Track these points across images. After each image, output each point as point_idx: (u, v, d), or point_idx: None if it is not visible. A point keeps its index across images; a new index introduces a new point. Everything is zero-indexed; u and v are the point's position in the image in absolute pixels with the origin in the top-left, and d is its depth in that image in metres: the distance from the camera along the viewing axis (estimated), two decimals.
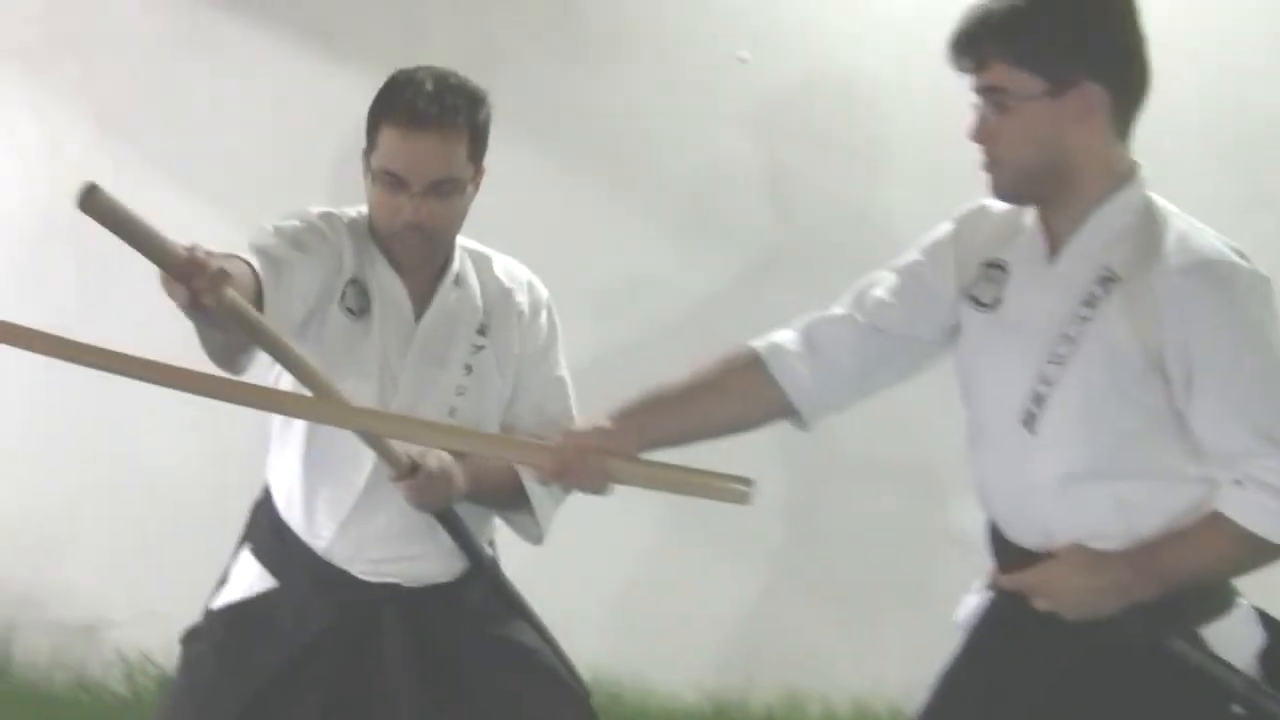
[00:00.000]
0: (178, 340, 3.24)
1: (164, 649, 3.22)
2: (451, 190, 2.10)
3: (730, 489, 1.85)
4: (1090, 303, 1.83)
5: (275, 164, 3.54)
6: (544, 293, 2.27)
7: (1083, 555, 1.82)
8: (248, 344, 1.95)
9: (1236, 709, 1.83)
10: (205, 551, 3.12)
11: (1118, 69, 1.81)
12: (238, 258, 1.88)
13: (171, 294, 1.70)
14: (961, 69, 1.86)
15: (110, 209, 1.60)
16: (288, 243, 2.06)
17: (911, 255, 2.01)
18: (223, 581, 2.22)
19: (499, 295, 2.22)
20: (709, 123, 3.54)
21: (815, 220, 3.33)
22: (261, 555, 2.21)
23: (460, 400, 2.16)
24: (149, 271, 3.11)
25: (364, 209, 2.20)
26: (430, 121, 2.06)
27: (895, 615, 3.32)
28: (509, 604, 2.20)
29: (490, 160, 3.41)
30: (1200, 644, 1.83)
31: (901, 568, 3.34)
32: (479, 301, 2.21)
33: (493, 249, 2.47)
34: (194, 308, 1.70)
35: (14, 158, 3.58)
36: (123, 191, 3.46)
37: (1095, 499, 1.84)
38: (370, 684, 2.10)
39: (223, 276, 1.70)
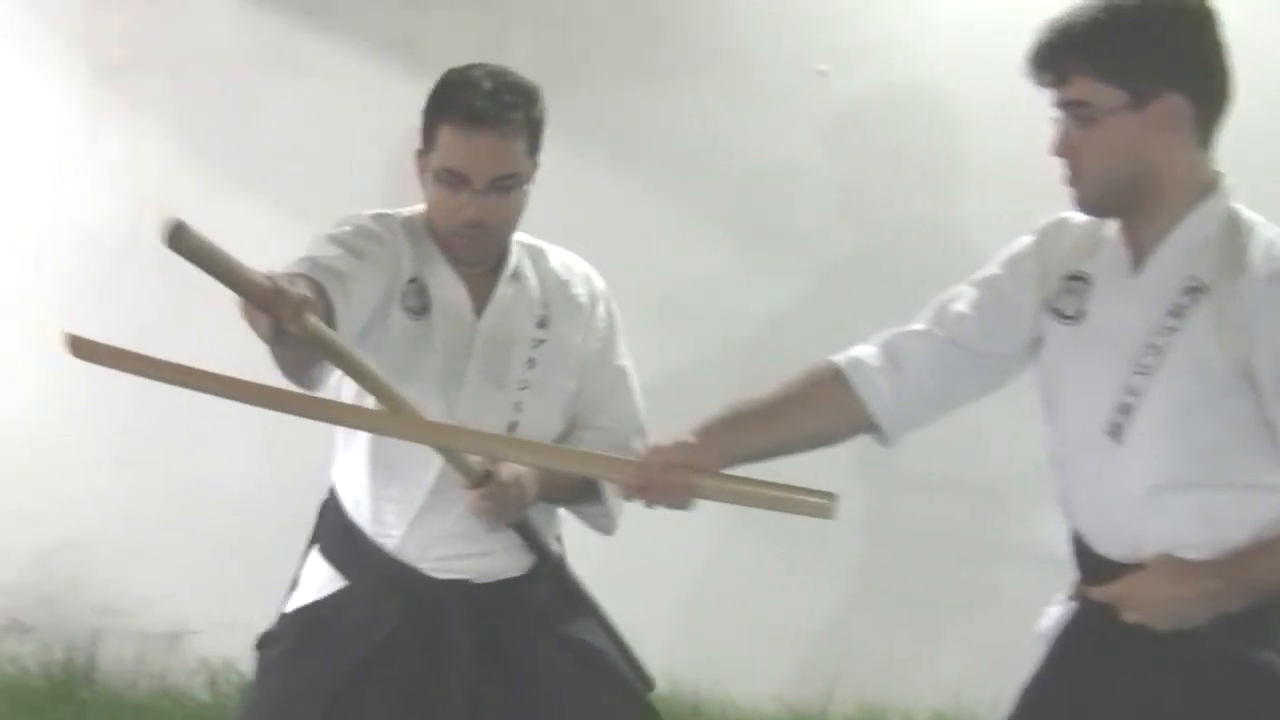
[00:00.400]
0: (256, 353, 3.32)
1: (245, 656, 3.31)
2: (512, 186, 2.11)
3: (813, 504, 1.86)
4: (1177, 313, 1.82)
5: (355, 178, 3.52)
6: (601, 284, 2.28)
7: (1172, 565, 1.82)
8: (320, 360, 1.98)
9: None
10: (282, 559, 3.19)
11: (1199, 79, 1.81)
12: (303, 277, 1.90)
13: (253, 323, 1.73)
14: (1042, 83, 1.86)
15: (195, 245, 1.61)
16: (349, 252, 2.06)
17: (991, 269, 2.01)
18: (294, 585, 2.24)
19: (557, 288, 2.23)
20: (787, 135, 3.53)
21: (891, 233, 3.33)
22: (331, 556, 2.22)
23: (525, 395, 2.17)
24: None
25: (417, 209, 2.21)
26: (490, 118, 2.07)
27: (971, 627, 3.32)
28: (576, 601, 2.20)
29: (569, 173, 3.30)
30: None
31: (976, 580, 3.33)
32: (538, 295, 2.22)
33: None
34: (277, 336, 1.72)
35: (100, 171, 3.63)
36: (206, 205, 3.25)
37: (1182, 509, 1.83)
38: (440, 680, 2.11)
39: (306, 305, 1.72)
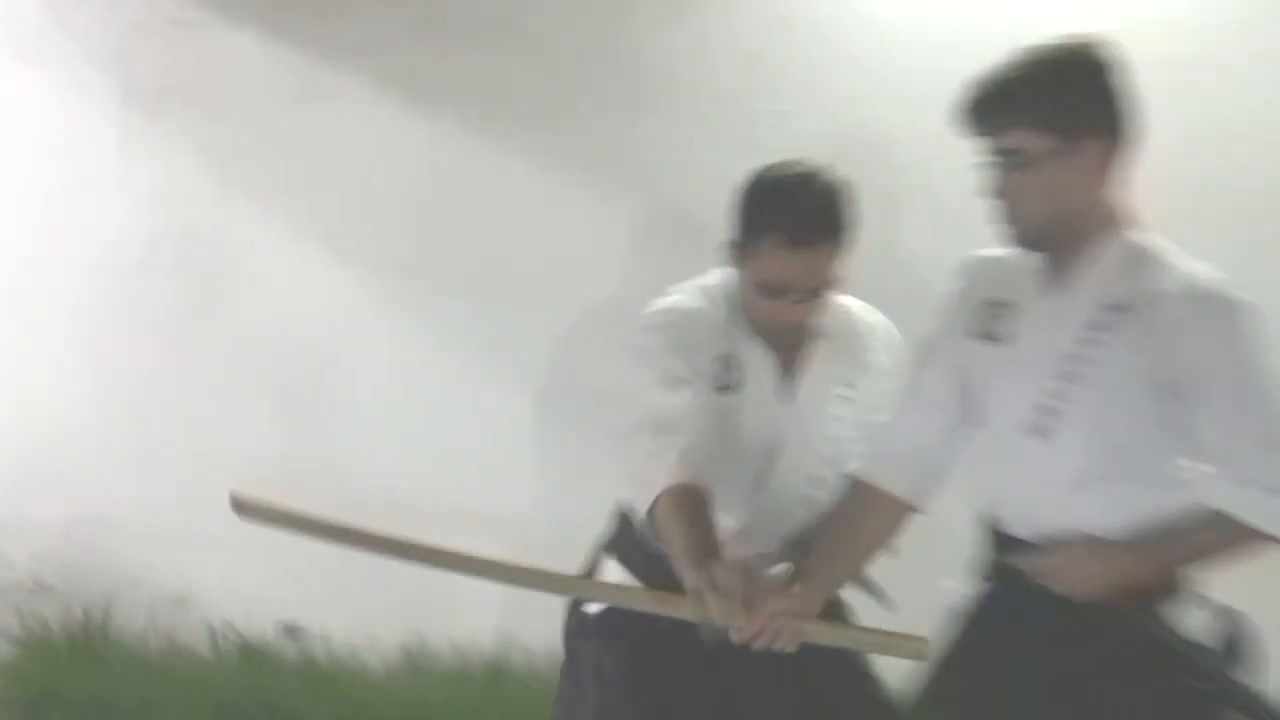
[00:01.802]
0: (268, 356, 3.65)
1: (242, 618, 3.74)
2: (829, 288, 2.12)
3: (910, 646, 1.98)
4: (1101, 328, 1.96)
5: (372, 204, 3.70)
6: (896, 334, 2.28)
7: (1093, 544, 1.97)
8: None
9: (1201, 684, 1.97)
10: (280, 536, 3.45)
11: (1117, 121, 1.94)
12: (688, 492, 1.95)
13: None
14: (978, 134, 1.98)
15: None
16: (687, 407, 2.05)
17: (938, 325, 2.15)
18: (593, 568, 2.30)
19: (859, 347, 2.24)
20: (747, 163, 3.65)
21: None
22: (630, 566, 2.25)
23: (832, 449, 2.20)
24: (240, 291, 3.41)
25: (724, 279, 2.18)
26: (819, 238, 2.06)
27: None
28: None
29: (560, 200, 3.62)
30: (1177, 627, 1.99)
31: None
32: (844, 356, 2.23)
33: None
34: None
35: (129, 190, 3.74)
36: (228, 228, 3.56)
37: (1100, 499, 1.97)
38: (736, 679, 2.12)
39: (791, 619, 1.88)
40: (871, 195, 3.42)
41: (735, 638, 1.90)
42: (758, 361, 2.17)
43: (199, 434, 3.78)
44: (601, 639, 2.24)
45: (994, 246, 2.08)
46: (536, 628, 3.55)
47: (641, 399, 2.06)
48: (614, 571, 2.28)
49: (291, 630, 3.84)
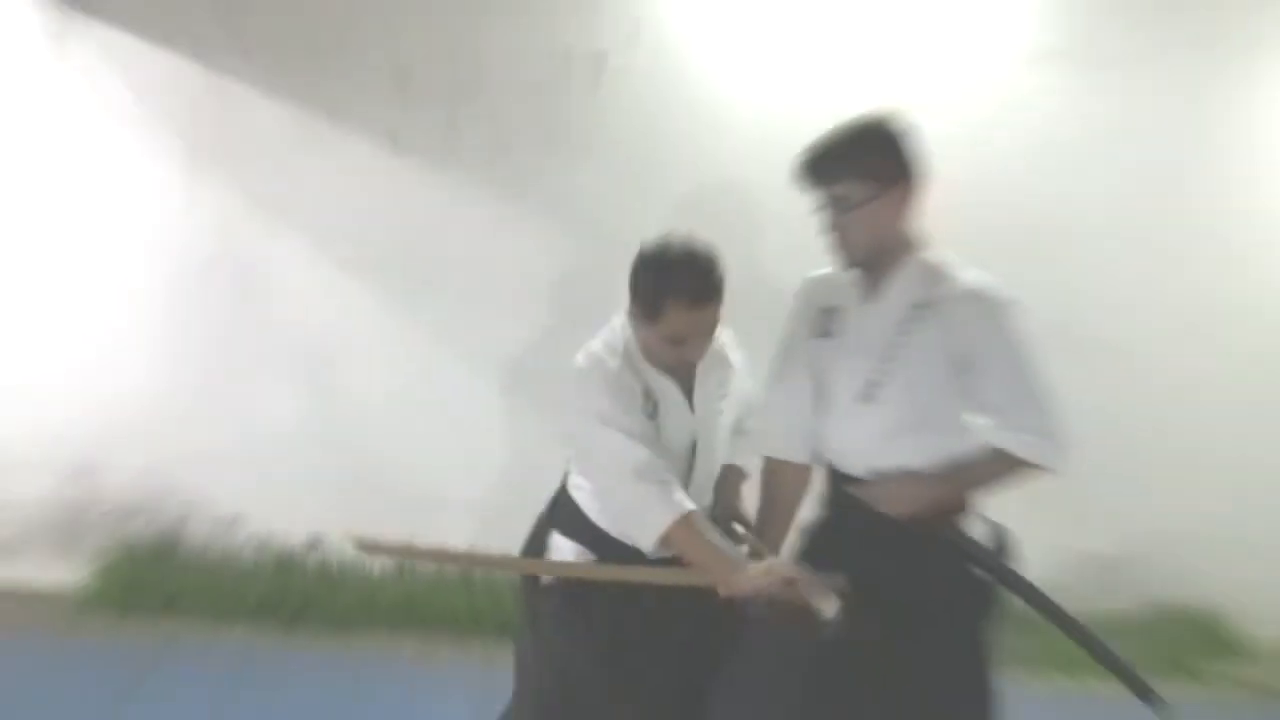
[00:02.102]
0: (306, 353, 3.90)
1: (278, 535, 4.24)
2: (716, 330, 2.29)
3: (833, 584, 2.11)
4: (911, 320, 2.16)
5: (364, 229, 4.13)
6: (736, 338, 2.45)
7: (911, 475, 2.19)
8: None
9: (982, 574, 2.23)
10: (308, 473, 4.03)
11: (913, 168, 2.16)
12: (690, 515, 2.12)
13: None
14: (812, 187, 2.17)
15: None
16: (646, 432, 2.21)
17: (790, 330, 2.35)
18: (536, 550, 2.43)
19: (723, 356, 2.43)
20: (651, 202, 4.02)
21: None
22: (576, 538, 2.37)
23: (724, 434, 2.40)
24: (271, 295, 3.71)
25: (619, 333, 2.32)
26: (710, 296, 2.21)
27: None
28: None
29: (483, 227, 4.09)
30: (963, 533, 2.25)
31: None
32: (717, 367, 2.40)
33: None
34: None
35: (190, 219, 4.14)
36: (265, 250, 4.03)
37: (912, 444, 2.20)
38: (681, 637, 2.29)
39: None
40: (738, 228, 3.85)
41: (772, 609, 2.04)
42: (667, 389, 2.32)
43: (239, 402, 4.21)
44: (561, 597, 2.35)
45: (825, 267, 2.32)
46: (497, 543, 3.77)
47: (610, 454, 2.17)
48: (562, 545, 2.39)
49: (313, 544, 4.28)
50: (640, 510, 2.15)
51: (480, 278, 4.20)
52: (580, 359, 2.28)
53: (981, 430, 2.18)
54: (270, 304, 4.23)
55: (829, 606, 1.96)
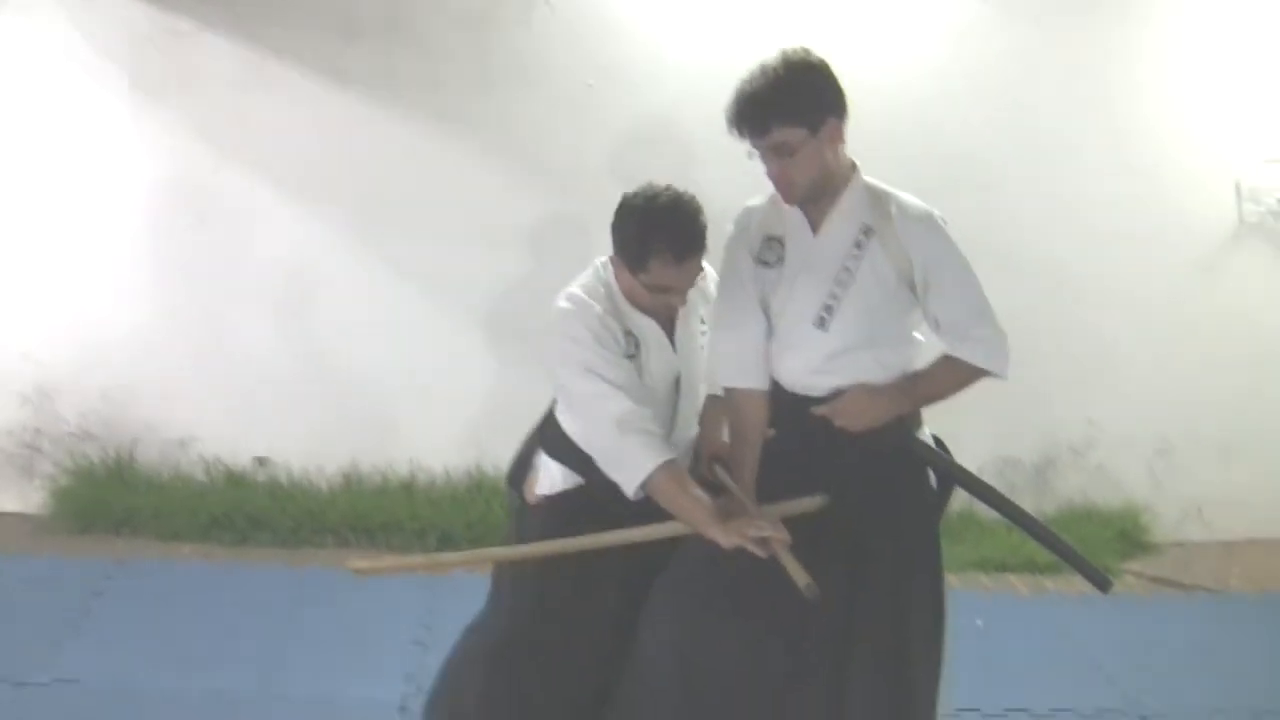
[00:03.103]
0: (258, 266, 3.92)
1: (227, 455, 4.38)
2: (699, 279, 2.32)
3: (812, 504, 2.18)
4: (859, 245, 2.20)
5: (310, 162, 4.23)
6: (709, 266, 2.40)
7: (868, 388, 2.22)
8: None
9: (933, 468, 2.33)
10: (258, 396, 4.12)
11: (840, 104, 2.17)
12: (668, 464, 2.13)
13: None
14: (748, 135, 2.14)
15: None
16: (627, 377, 2.22)
17: (732, 258, 2.33)
18: (526, 468, 2.48)
19: (699, 288, 2.42)
20: (589, 133, 4.18)
21: None
22: (564, 460, 2.39)
23: (704, 368, 2.41)
24: (224, 222, 3.96)
25: (600, 274, 2.34)
26: (695, 250, 2.23)
27: None
28: None
29: (424, 159, 4.22)
30: (921, 440, 2.32)
31: None
32: (694, 300, 2.40)
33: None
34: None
35: (140, 154, 4.22)
36: (212, 181, 4.14)
37: (864, 361, 2.24)
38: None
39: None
40: (675, 157, 3.98)
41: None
42: (648, 330, 2.34)
43: (200, 328, 4.34)
44: (547, 516, 2.38)
45: (760, 196, 2.33)
46: (437, 458, 4.36)
47: (593, 403, 2.20)
48: (550, 466, 2.42)
49: (261, 462, 4.40)
50: (621, 459, 2.18)
51: (422, 207, 4.31)
52: (561, 301, 2.31)
53: (937, 340, 2.27)
54: (221, 234, 4.34)
55: (803, 580, 1.97)
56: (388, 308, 4.38)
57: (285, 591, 3.78)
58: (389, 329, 4.37)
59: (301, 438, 4.37)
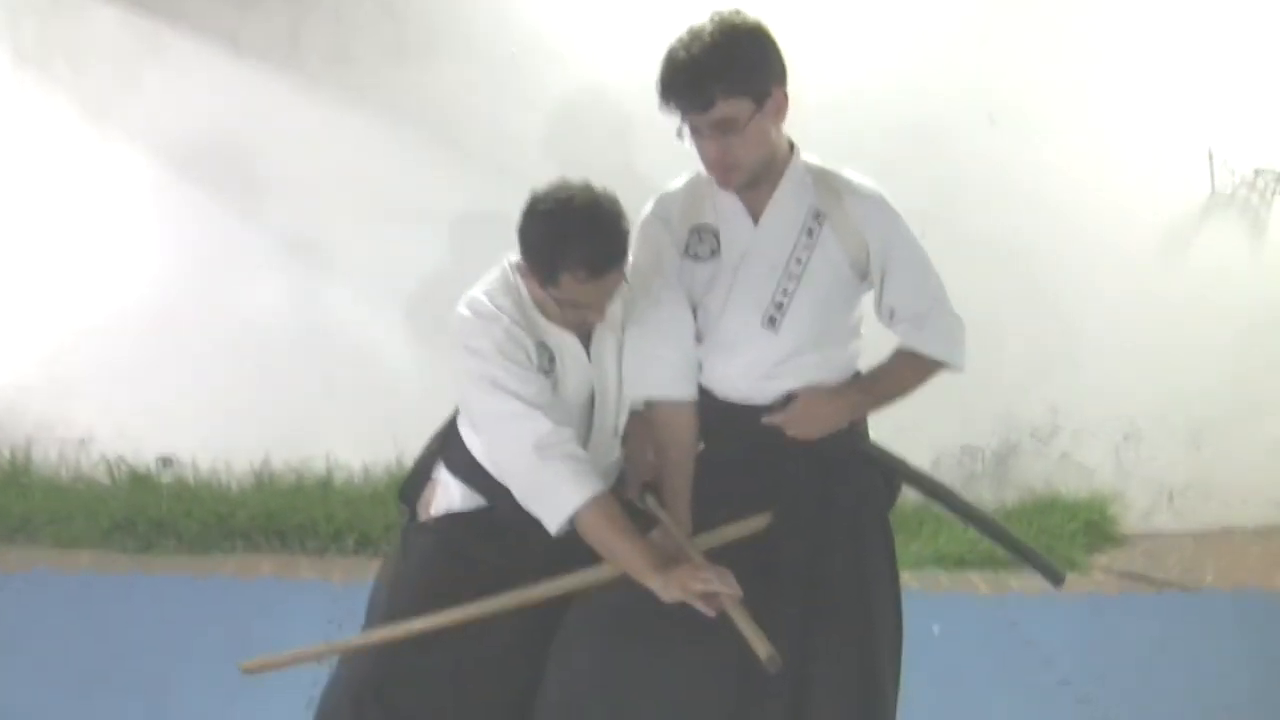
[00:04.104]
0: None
1: (133, 455, 4.23)
2: (618, 291, 2.10)
3: (757, 523, 2.08)
4: (811, 233, 2.10)
5: (202, 133, 4.02)
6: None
7: (822, 391, 2.14)
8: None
9: (885, 469, 2.27)
10: (159, 388, 3.98)
11: (783, 72, 2.04)
12: (599, 499, 1.97)
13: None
14: (687, 110, 1.97)
15: None
16: (540, 394, 2.04)
17: (652, 253, 2.17)
18: (423, 480, 2.32)
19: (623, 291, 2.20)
20: (509, 105, 4.00)
21: (584, 173, 3.02)
22: (464, 478, 2.23)
23: (619, 383, 2.24)
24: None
25: (508, 278, 2.14)
26: (614, 262, 2.02)
27: None
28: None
29: (332, 134, 4.04)
30: (872, 442, 2.29)
31: None
32: (621, 309, 2.22)
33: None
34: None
35: (18, 134, 4.05)
36: (99, 159, 3.88)
37: (814, 362, 2.16)
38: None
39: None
40: (605, 122, 3.92)
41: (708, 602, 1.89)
42: (563, 342, 2.16)
43: (94, 317, 4.12)
44: (435, 536, 2.22)
45: (678, 179, 2.20)
46: (355, 453, 4.24)
47: (507, 425, 2.01)
48: (448, 482, 2.27)
49: (167, 462, 4.27)
50: (541, 491, 2.01)
51: (333, 187, 4.13)
52: (464, 308, 2.11)
53: (895, 333, 2.22)
54: (110, 213, 4.15)
55: (764, 650, 1.81)
56: (300, 292, 4.20)
57: (187, 605, 3.63)
58: (300, 315, 4.20)
59: (207, 435, 4.22)
